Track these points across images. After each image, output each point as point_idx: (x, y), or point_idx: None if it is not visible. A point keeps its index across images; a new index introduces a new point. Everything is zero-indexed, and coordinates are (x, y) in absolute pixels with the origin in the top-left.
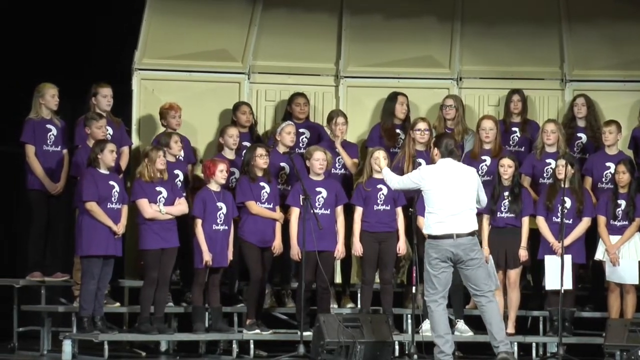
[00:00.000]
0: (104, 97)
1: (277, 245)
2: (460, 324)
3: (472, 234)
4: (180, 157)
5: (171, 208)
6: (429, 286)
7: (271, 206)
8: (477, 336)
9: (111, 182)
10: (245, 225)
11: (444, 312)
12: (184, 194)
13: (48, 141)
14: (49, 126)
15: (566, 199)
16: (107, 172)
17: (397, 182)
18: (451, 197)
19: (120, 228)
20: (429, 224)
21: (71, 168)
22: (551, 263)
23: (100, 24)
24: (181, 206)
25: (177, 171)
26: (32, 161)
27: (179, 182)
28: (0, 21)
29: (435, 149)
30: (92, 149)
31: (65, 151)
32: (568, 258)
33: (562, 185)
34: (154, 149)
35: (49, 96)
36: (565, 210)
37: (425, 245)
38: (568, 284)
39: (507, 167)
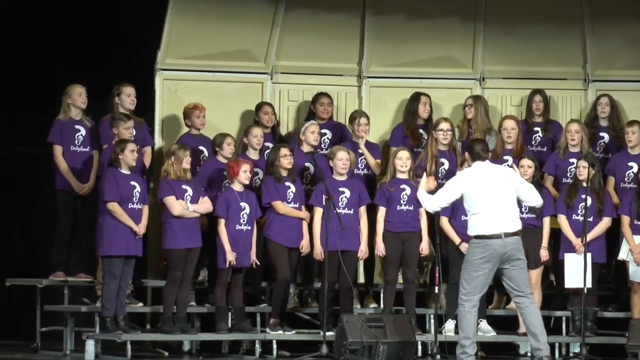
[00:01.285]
0: (128, 96)
1: (305, 244)
2: (483, 324)
3: (517, 233)
4: None
5: (197, 206)
6: (467, 285)
7: (297, 205)
8: (500, 336)
9: (132, 182)
10: (272, 226)
11: (475, 314)
12: (219, 193)
13: (76, 142)
14: (77, 127)
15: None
16: (129, 172)
17: (434, 204)
18: (494, 197)
19: (141, 228)
20: (474, 225)
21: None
22: (571, 261)
23: (122, 24)
24: (206, 204)
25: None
26: (59, 161)
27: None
28: (24, 24)
29: (467, 154)
30: (113, 149)
31: (94, 152)
32: (588, 256)
33: (585, 186)
34: (181, 148)
35: (76, 95)
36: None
37: (470, 245)
38: (588, 283)
39: (527, 167)
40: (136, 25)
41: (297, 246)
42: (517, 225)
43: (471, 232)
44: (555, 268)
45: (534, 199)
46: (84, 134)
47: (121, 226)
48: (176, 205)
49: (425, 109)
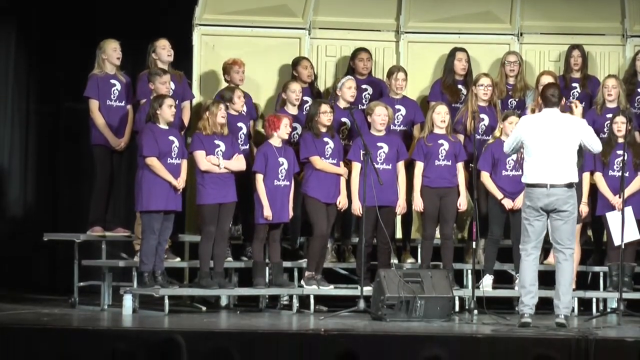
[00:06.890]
0: (163, 49)
1: (342, 200)
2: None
3: (568, 185)
4: (243, 112)
5: (229, 162)
6: (522, 235)
7: (335, 161)
8: (540, 291)
9: (171, 137)
10: (309, 181)
11: (533, 263)
12: (247, 147)
13: (112, 96)
14: (113, 81)
15: (621, 152)
16: (167, 127)
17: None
18: (548, 146)
19: (180, 183)
20: (525, 173)
21: (134, 123)
22: (614, 219)
23: None
24: (239, 162)
25: (240, 124)
26: (96, 116)
27: (242, 135)
28: None
29: (540, 98)
30: (150, 104)
31: (129, 107)
32: (629, 210)
33: (623, 142)
34: (216, 103)
35: (111, 50)
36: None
37: (523, 193)
38: (636, 235)
39: (620, 124)
40: None
41: (334, 202)
42: (570, 177)
43: (523, 179)
44: (593, 224)
45: (595, 145)
46: (119, 89)
47: (160, 181)
48: (203, 161)
49: (460, 64)
